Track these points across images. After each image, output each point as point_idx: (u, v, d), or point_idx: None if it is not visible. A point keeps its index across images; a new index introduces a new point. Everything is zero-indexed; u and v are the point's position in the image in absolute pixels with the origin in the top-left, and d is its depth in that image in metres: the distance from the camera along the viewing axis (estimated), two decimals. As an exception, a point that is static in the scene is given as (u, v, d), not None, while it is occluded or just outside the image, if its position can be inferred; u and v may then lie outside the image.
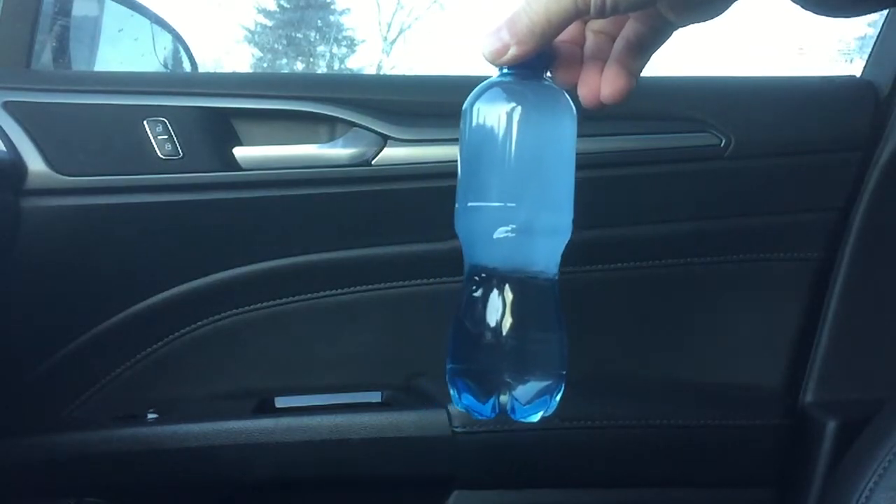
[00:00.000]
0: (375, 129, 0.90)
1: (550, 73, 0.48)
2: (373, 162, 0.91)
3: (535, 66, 0.47)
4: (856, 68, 1.03)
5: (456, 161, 0.49)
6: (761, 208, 0.97)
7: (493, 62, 0.46)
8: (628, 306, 0.99)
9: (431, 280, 0.95)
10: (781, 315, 0.98)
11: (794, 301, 0.98)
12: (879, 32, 1.00)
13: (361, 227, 0.94)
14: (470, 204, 0.48)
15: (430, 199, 0.87)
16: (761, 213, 0.97)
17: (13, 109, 0.87)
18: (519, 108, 0.47)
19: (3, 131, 0.86)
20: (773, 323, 0.98)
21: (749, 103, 0.97)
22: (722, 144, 0.93)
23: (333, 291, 0.96)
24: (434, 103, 0.92)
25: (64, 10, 1.05)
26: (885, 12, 0.98)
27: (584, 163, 0.91)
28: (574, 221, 0.49)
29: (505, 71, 0.47)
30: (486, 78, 0.49)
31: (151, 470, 0.89)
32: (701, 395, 0.97)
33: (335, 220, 0.94)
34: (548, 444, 0.91)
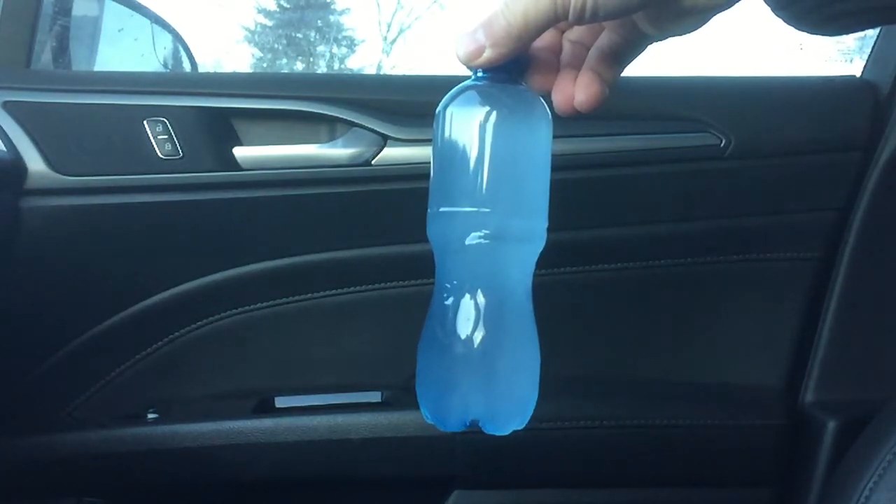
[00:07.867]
0: (375, 129, 0.90)
1: (525, 78, 0.46)
2: (372, 162, 0.91)
3: (510, 70, 0.45)
4: (856, 68, 1.03)
5: None
6: (761, 208, 0.97)
7: (466, 64, 0.44)
8: (628, 306, 0.99)
9: (431, 280, 0.95)
10: (781, 315, 0.98)
11: (794, 301, 0.98)
12: (879, 32, 1.00)
13: (361, 227, 0.94)
14: (441, 209, 0.47)
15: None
16: (761, 213, 0.97)
17: (13, 109, 0.87)
18: (493, 112, 0.45)
19: (3, 131, 0.86)
20: (773, 323, 0.98)
21: (749, 103, 0.97)
22: (722, 144, 0.93)
23: (333, 291, 0.96)
24: (434, 103, 0.91)
25: (64, 10, 1.05)
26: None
27: (584, 163, 0.92)
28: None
29: (479, 74, 0.46)
30: None
31: (151, 470, 0.89)
32: (701, 395, 0.97)
33: (335, 220, 0.94)
34: (547, 444, 0.91)
